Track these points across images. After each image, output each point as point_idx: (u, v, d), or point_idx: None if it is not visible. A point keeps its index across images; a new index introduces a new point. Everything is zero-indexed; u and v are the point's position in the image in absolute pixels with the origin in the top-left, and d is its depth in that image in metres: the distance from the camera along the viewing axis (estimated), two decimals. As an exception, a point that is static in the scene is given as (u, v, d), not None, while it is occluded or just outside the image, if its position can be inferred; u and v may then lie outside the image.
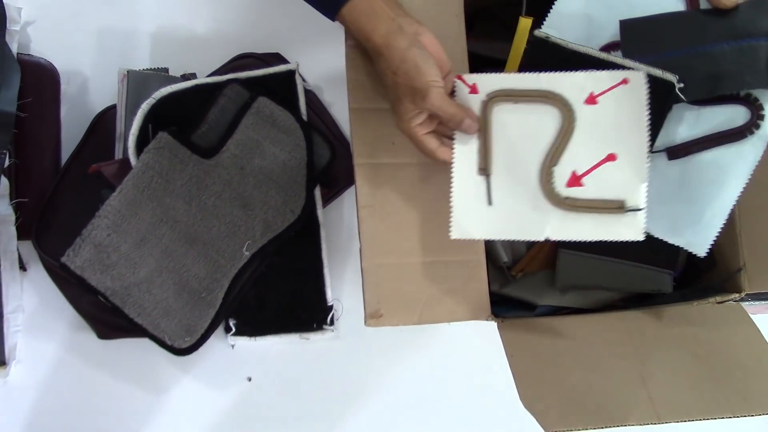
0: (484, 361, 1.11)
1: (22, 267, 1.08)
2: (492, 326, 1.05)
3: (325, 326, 1.08)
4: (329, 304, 1.08)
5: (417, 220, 0.84)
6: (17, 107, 1.04)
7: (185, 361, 1.07)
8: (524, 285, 0.98)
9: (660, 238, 0.86)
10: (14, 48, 1.07)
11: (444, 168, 0.84)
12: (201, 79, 1.07)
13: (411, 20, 0.80)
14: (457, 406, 1.10)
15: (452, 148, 0.83)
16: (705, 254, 0.85)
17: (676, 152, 0.85)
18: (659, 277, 0.97)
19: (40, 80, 1.10)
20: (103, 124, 1.10)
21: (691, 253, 0.91)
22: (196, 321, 1.04)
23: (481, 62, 0.95)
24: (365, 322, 0.81)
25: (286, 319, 1.06)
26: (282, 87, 1.08)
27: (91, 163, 1.04)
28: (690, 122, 0.85)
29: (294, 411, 1.10)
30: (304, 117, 1.08)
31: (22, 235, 1.06)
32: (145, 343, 1.04)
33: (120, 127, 1.06)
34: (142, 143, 1.01)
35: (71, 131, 1.10)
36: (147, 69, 1.09)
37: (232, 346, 1.09)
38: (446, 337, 1.12)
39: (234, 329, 1.07)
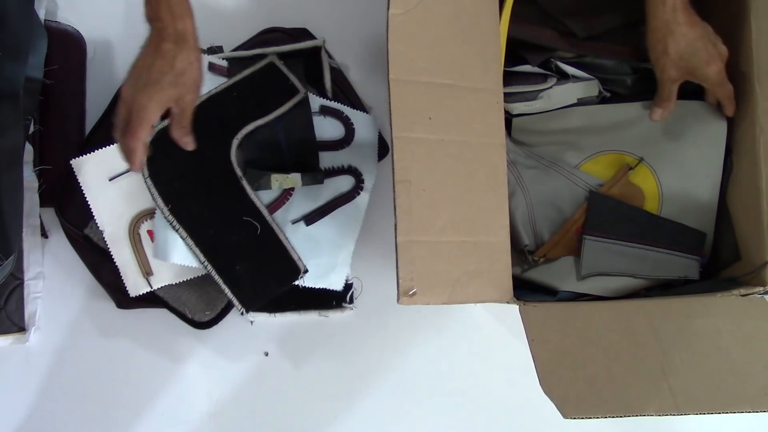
0: (500, 344, 1.11)
1: (44, 234, 1.08)
2: (509, 310, 1.05)
3: (344, 304, 1.08)
4: (349, 282, 1.07)
5: (450, 197, 0.83)
6: (43, 74, 1.04)
7: (202, 333, 1.07)
8: (546, 270, 0.97)
9: (310, 286, 1.05)
10: (41, 14, 1.07)
11: (478, 145, 0.83)
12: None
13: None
14: (471, 388, 1.10)
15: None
16: (341, 289, 1.07)
17: (311, 219, 1.05)
18: (686, 263, 0.97)
19: (66, 48, 1.10)
20: (128, 93, 1.09)
21: (716, 243, 0.93)
22: (216, 295, 1.04)
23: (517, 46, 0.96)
24: (398, 299, 0.80)
25: (305, 296, 1.06)
26: (308, 63, 1.08)
27: (115, 132, 1.04)
28: (315, 196, 1.05)
29: (309, 387, 1.10)
30: (329, 94, 1.08)
31: (44, 202, 1.06)
32: (163, 313, 1.06)
33: (145, 97, 1.06)
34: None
35: (96, 100, 1.10)
36: (174, 40, 1.09)
37: (251, 322, 1.09)
38: (463, 319, 1.11)
39: (253, 305, 1.08)
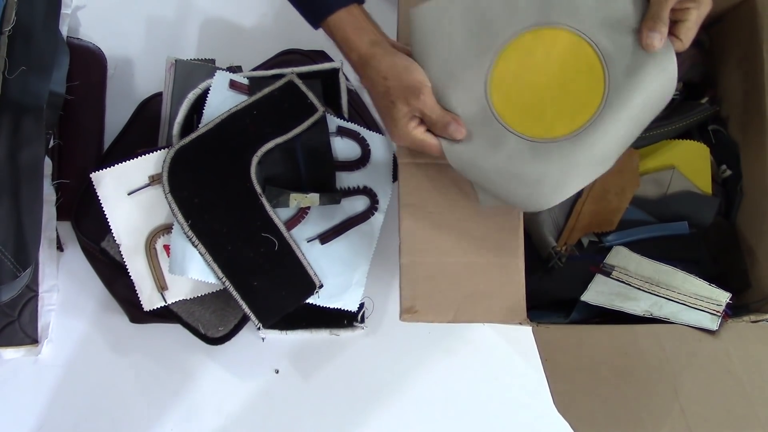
0: (510, 365, 1.12)
1: (60, 247, 1.10)
2: (518, 332, 1.07)
3: (355, 323, 1.08)
4: (361, 301, 1.08)
5: (457, 219, 0.85)
6: (65, 90, 1.06)
7: (214, 349, 1.08)
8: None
9: (324, 305, 1.04)
10: (64, 31, 1.09)
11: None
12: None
13: (387, 37, 0.85)
14: (481, 409, 1.11)
15: None
16: (355, 309, 1.06)
17: (326, 238, 1.05)
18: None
19: (87, 64, 1.12)
20: (147, 111, 1.11)
21: (726, 270, 0.94)
22: (229, 311, 1.05)
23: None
24: (400, 317, 0.82)
25: (317, 314, 1.06)
26: (325, 84, 1.10)
27: (134, 148, 1.06)
28: (330, 215, 1.07)
29: (318, 405, 1.10)
30: (346, 115, 1.09)
31: (61, 215, 1.07)
32: (175, 328, 1.06)
33: (165, 115, 1.08)
34: (186, 131, 1.03)
35: (115, 116, 1.12)
36: (194, 59, 1.11)
37: (263, 339, 1.10)
38: (473, 341, 1.12)
39: (265, 322, 1.09)
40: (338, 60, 1.12)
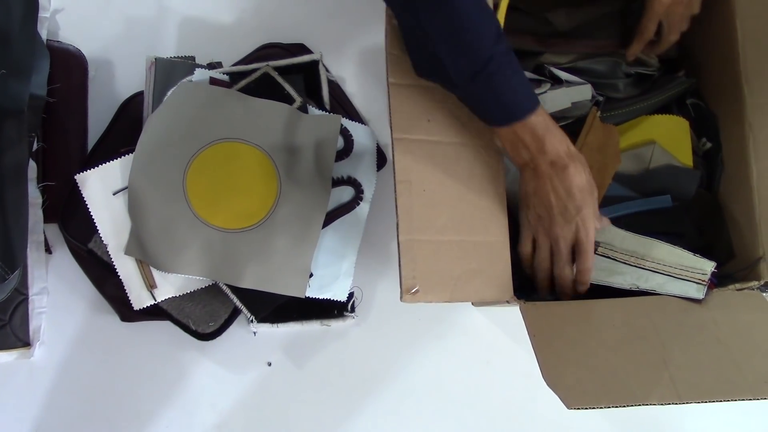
0: (500, 349, 1.12)
1: (48, 249, 1.09)
2: (507, 315, 1.07)
3: (345, 313, 1.09)
4: (350, 291, 1.09)
5: (449, 198, 0.85)
6: (46, 93, 1.06)
7: (206, 344, 1.08)
8: None
9: (314, 296, 1.05)
10: (44, 34, 1.10)
11: (475, 147, 0.85)
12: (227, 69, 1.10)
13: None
14: (473, 393, 1.11)
15: None
16: (345, 299, 1.08)
17: None
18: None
19: (68, 67, 1.12)
20: (129, 110, 1.11)
21: (711, 242, 0.94)
22: (219, 306, 1.05)
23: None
24: (401, 297, 0.81)
25: (307, 306, 1.07)
26: (306, 76, 1.10)
27: (117, 148, 1.06)
28: None
29: (312, 396, 1.10)
30: (327, 106, 1.10)
31: (48, 218, 1.07)
32: (166, 326, 1.06)
33: (147, 113, 1.08)
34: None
35: (98, 117, 1.12)
36: (174, 57, 1.11)
37: (254, 333, 1.10)
38: (462, 325, 1.12)
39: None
40: (318, 51, 1.12)
